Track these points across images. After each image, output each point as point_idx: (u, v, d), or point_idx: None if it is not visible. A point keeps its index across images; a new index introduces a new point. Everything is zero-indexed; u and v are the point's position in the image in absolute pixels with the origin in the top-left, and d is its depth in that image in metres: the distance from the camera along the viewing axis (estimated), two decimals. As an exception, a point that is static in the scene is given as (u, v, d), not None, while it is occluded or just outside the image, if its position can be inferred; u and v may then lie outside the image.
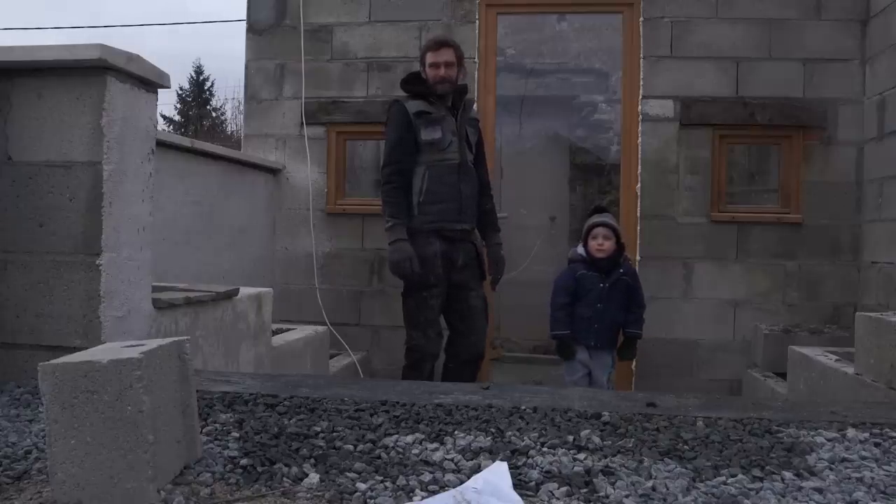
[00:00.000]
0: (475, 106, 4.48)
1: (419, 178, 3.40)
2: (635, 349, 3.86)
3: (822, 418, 1.83)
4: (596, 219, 3.80)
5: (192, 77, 23.69)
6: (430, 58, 3.47)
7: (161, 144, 2.69)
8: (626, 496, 1.29)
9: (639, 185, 4.43)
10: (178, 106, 23.84)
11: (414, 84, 3.53)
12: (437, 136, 3.39)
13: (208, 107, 23.99)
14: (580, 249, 3.82)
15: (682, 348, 4.37)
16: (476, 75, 4.54)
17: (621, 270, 3.75)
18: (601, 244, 3.70)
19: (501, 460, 1.44)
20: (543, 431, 1.65)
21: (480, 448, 1.53)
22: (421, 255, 3.33)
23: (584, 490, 1.33)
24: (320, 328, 3.88)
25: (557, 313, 3.74)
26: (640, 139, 4.42)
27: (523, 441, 1.58)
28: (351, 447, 1.52)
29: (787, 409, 1.97)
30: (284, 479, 1.35)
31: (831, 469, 1.46)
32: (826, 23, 4.33)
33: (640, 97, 4.42)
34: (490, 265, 3.61)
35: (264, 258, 4.62)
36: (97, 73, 2.00)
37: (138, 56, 2.10)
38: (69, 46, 2.01)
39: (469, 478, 1.35)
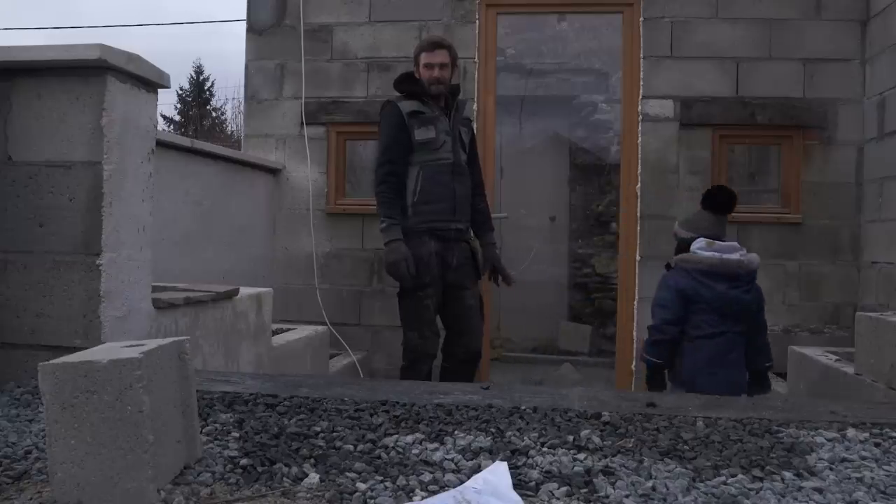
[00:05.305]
0: (475, 105, 4.49)
1: (413, 179, 3.40)
2: None
3: (822, 418, 1.83)
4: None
5: (192, 77, 23.70)
6: (424, 58, 3.47)
7: (161, 144, 2.69)
8: (626, 496, 1.29)
9: (639, 185, 4.43)
10: (178, 106, 23.85)
11: (408, 84, 3.52)
12: (431, 136, 3.39)
13: (208, 107, 23.99)
14: (706, 250, 2.88)
15: (682, 348, 4.36)
16: (476, 75, 4.54)
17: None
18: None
19: (501, 460, 1.44)
20: (543, 431, 1.65)
21: (480, 448, 1.53)
22: (416, 255, 3.33)
23: (584, 490, 1.33)
24: (320, 328, 3.88)
25: (659, 334, 2.93)
26: (640, 139, 4.42)
27: (523, 441, 1.58)
28: (351, 447, 1.52)
29: (787, 409, 1.97)
30: (284, 479, 1.35)
31: (831, 469, 1.46)
32: (826, 23, 4.33)
33: (640, 97, 4.42)
34: (484, 265, 3.60)
35: (264, 258, 4.62)
36: (97, 73, 2.00)
37: (138, 56, 2.10)
38: (69, 46, 2.01)
39: (469, 478, 1.35)
